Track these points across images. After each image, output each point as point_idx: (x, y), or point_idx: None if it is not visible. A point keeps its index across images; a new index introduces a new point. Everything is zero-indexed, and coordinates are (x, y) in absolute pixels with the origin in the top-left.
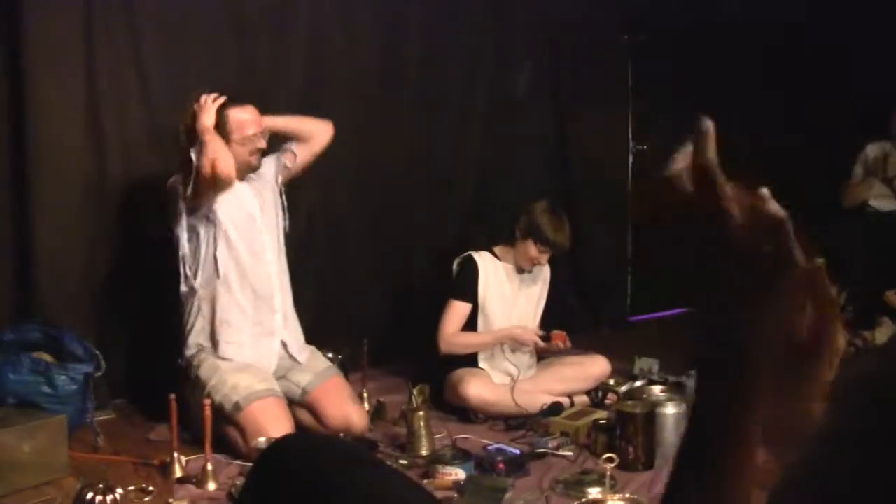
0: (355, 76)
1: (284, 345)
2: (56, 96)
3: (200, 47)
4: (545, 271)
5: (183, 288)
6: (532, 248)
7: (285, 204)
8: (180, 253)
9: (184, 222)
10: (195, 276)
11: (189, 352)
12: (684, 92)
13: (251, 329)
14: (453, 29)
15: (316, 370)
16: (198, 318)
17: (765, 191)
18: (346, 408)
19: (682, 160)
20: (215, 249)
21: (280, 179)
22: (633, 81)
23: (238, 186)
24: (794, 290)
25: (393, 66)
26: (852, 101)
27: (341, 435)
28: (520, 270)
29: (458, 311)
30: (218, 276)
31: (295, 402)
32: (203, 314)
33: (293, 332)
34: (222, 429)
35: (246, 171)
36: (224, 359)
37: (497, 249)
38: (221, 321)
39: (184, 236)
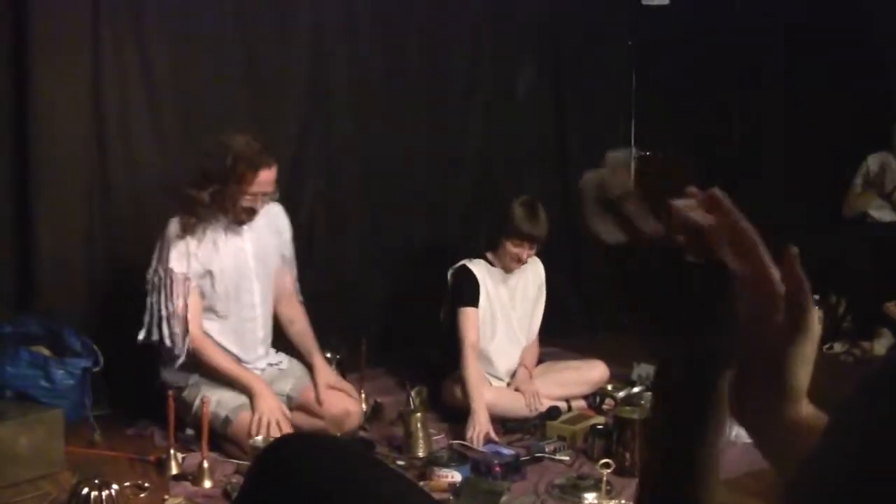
0: (357, 73)
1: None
2: (59, 92)
3: (204, 44)
4: (540, 273)
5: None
6: (509, 245)
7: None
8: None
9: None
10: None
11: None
12: (687, 96)
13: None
14: (455, 25)
15: (296, 374)
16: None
17: (684, 201)
18: (337, 396)
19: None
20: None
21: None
22: (637, 84)
23: (233, 237)
24: (743, 289)
25: (395, 61)
26: (859, 108)
27: (338, 434)
28: (508, 271)
29: (471, 317)
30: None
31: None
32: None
33: (272, 353)
34: (220, 444)
35: (234, 222)
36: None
37: (489, 255)
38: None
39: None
